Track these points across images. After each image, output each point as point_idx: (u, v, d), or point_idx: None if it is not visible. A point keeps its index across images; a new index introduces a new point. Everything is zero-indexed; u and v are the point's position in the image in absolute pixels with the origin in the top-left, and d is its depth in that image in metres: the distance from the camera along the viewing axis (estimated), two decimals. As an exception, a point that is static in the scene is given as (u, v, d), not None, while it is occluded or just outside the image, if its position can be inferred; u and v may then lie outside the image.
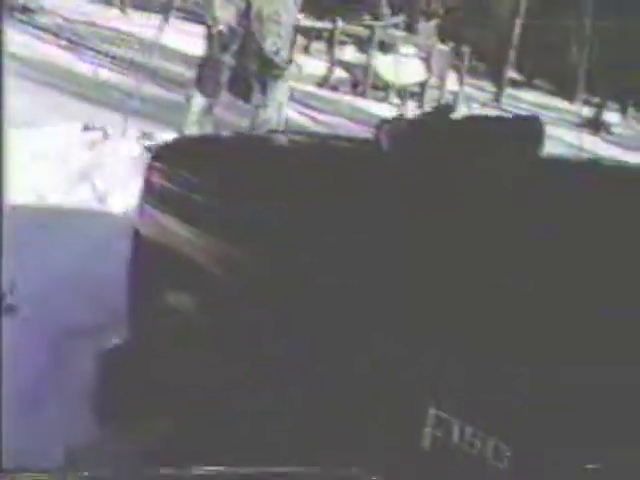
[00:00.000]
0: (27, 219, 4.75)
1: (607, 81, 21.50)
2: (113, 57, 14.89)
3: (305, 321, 2.42)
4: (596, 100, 22.85)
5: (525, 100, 23.78)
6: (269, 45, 5.64)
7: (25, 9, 16.74)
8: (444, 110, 3.00)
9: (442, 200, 2.56)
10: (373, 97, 18.51)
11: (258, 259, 2.74)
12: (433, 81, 19.43)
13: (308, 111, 14.55)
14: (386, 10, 19.18)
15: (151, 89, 13.10)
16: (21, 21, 15.64)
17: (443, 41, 19.68)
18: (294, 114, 11.41)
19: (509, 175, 2.48)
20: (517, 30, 22.82)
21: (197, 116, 6.05)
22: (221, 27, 5.86)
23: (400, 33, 19.47)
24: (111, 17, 19.66)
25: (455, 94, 19.76)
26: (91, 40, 16.07)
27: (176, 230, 3.05)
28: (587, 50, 18.32)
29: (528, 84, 26.27)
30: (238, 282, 2.81)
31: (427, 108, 19.04)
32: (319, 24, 18.61)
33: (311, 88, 17.28)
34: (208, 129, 6.19)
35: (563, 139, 16.64)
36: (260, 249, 2.71)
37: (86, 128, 6.21)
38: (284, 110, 5.87)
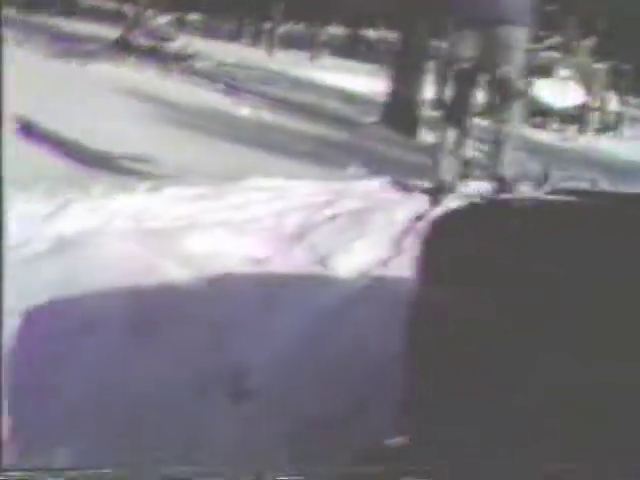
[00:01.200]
0: (246, 291, 4.24)
1: None
2: (271, 98, 14.64)
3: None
4: None
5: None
6: (506, 70, 6.02)
7: (180, 56, 16.66)
8: None
9: None
10: (532, 124, 17.74)
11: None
12: (594, 103, 18.54)
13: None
14: (541, 32, 18.33)
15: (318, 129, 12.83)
16: (179, 69, 15.55)
17: (602, 60, 18.75)
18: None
19: None
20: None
21: (451, 151, 6.32)
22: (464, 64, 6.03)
23: (557, 55, 18.65)
24: (260, 58, 19.55)
25: (619, 115, 18.82)
26: (247, 82, 15.86)
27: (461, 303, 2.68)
28: None
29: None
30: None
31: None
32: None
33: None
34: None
35: None
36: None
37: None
38: (521, 129, 6.46)
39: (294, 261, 4.49)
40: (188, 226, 4.54)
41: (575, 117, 18.57)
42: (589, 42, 18.61)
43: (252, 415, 3.69)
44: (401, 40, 18.08)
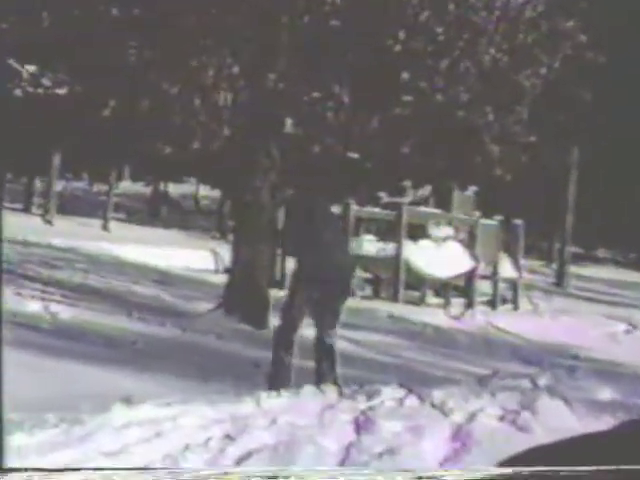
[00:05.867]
0: None
1: None
2: (64, 285, 14.68)
3: None
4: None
5: (592, 277, 23.82)
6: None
7: None
8: None
9: None
10: (407, 300, 18.37)
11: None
12: (481, 269, 19.39)
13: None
14: (407, 182, 19.22)
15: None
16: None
17: (487, 214, 19.73)
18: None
19: None
20: (572, 189, 23.04)
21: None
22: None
23: (430, 210, 19.51)
24: (37, 228, 19.60)
25: (514, 283, 19.71)
26: (28, 266, 15.85)
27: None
28: None
29: (589, 258, 26.42)
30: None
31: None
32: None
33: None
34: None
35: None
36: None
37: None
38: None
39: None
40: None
41: (461, 288, 19.32)
42: (470, 191, 19.54)
43: None
44: (230, 198, 18.61)
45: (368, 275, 19.07)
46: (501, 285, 19.88)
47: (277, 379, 9.14)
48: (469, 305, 18.93)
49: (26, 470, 3.26)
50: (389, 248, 18.60)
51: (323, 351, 9.39)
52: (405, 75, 15.63)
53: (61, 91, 16.17)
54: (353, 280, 10.39)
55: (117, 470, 3.37)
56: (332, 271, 9.47)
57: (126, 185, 27.69)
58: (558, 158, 20.66)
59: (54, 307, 13.29)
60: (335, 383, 9.12)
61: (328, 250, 9.54)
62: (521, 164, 16.86)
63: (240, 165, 15.02)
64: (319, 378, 9.20)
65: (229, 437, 6.01)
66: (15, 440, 5.76)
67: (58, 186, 23.06)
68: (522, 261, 20.28)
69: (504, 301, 19.79)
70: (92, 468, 3.33)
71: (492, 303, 19.58)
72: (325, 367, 9.31)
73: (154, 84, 14.32)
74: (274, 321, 13.74)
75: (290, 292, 9.83)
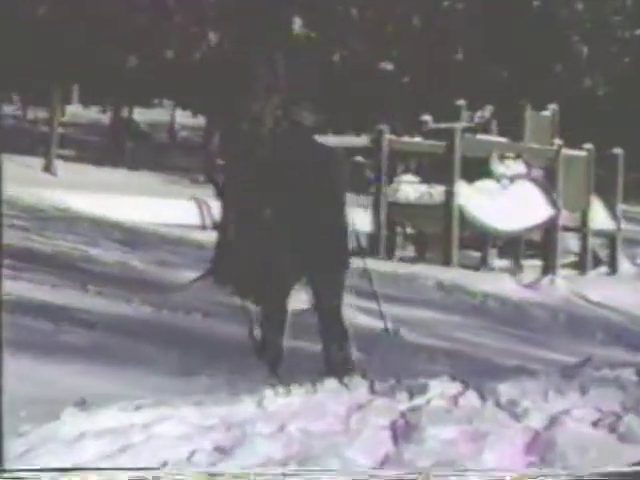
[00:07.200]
0: None
1: None
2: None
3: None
4: None
5: None
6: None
7: None
8: None
9: None
10: (462, 262, 18.29)
11: None
12: (565, 218, 19.30)
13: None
14: (461, 101, 19.08)
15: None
16: None
17: (573, 142, 19.57)
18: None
19: None
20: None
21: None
22: None
23: (493, 139, 19.36)
24: None
25: (612, 236, 19.59)
26: None
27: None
28: None
29: None
30: None
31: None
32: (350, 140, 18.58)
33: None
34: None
35: None
36: None
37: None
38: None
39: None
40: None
41: (536, 245, 19.27)
42: (549, 111, 19.40)
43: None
44: (219, 128, 18.44)
45: (409, 229, 18.97)
46: (593, 240, 19.77)
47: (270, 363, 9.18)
48: (548, 268, 18.86)
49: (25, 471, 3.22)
50: (436, 192, 18.43)
51: (327, 335, 9.29)
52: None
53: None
54: (347, 243, 10.01)
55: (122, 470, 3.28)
56: (307, 233, 9.19)
57: (75, 110, 27.70)
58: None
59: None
60: (345, 373, 8.92)
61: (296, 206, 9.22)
62: (621, 70, 16.58)
63: (232, 83, 14.79)
64: (327, 368, 9.08)
65: (221, 450, 5.90)
66: None
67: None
68: (622, 206, 20.13)
69: (597, 262, 19.68)
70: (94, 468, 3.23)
71: (580, 265, 19.49)
72: (333, 354, 9.21)
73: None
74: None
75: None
